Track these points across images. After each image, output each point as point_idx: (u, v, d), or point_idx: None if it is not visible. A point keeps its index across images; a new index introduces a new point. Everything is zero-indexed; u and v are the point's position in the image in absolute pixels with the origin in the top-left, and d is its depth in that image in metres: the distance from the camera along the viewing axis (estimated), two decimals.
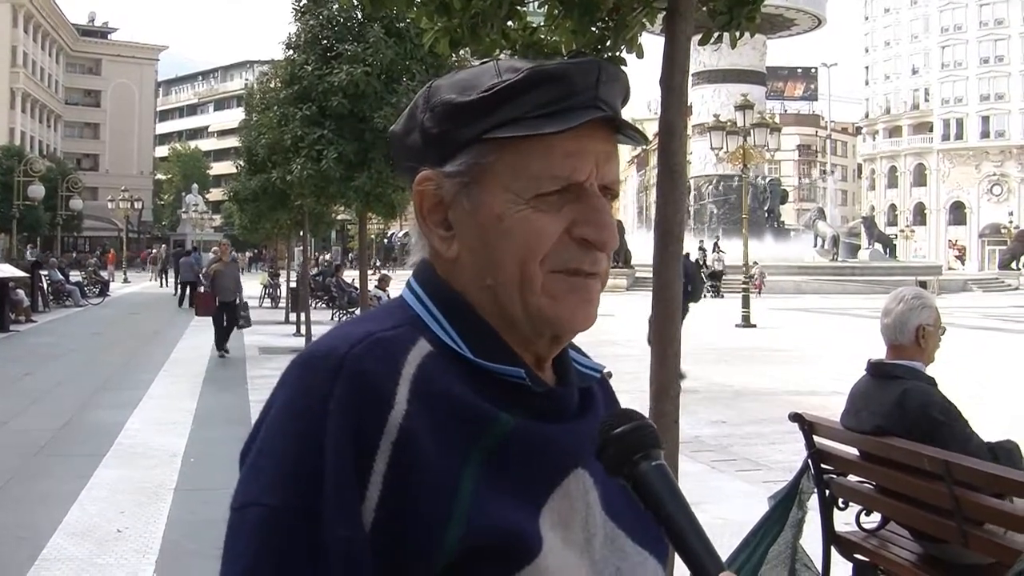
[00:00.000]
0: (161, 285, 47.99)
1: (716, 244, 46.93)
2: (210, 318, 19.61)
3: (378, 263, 74.06)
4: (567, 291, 1.17)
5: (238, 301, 19.55)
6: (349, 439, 1.04)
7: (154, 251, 65.48)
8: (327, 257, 58.49)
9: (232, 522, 1.08)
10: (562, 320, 1.18)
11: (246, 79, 73.38)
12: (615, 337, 17.11)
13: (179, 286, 35.72)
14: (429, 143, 1.20)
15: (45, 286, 32.20)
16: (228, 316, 19.08)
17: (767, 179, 58.24)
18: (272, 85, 20.88)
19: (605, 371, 1.40)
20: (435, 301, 1.20)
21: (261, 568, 1.04)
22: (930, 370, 4.49)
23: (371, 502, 1.04)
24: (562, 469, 1.17)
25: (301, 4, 16.21)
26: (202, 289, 21.50)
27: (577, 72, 1.16)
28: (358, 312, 21.33)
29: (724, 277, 42.29)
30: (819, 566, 4.90)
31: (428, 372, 1.11)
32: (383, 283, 25.89)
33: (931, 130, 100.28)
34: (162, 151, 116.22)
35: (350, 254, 72.68)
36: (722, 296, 39.99)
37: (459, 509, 1.05)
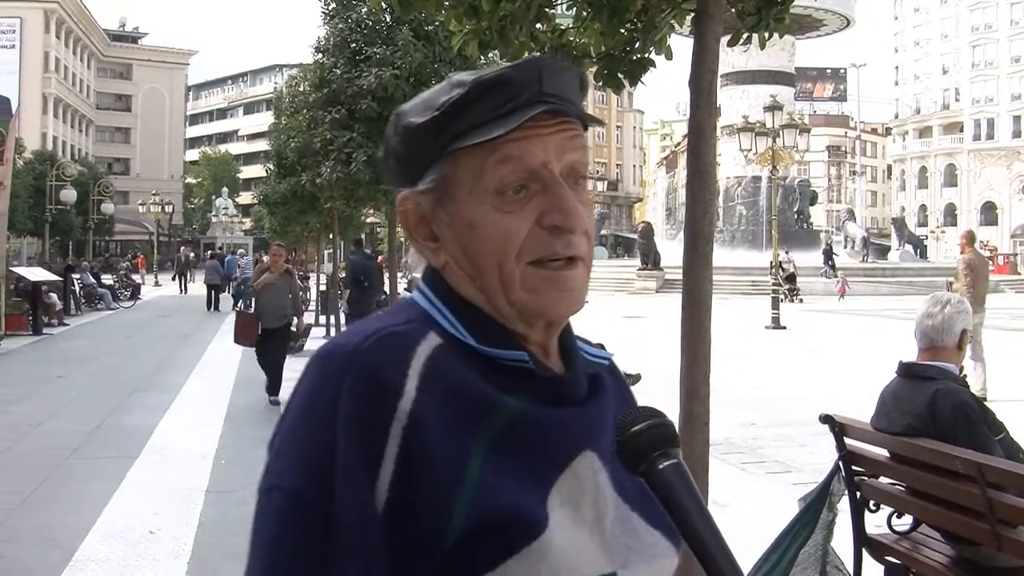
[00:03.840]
0: (181, 291, 46.50)
1: (787, 249, 46.92)
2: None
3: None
4: (545, 283, 1.22)
5: (295, 328, 14.36)
6: (360, 425, 1.11)
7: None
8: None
9: (258, 505, 1.16)
10: (545, 311, 1.24)
11: (275, 83, 73.69)
12: (645, 339, 17.07)
13: (207, 289, 35.80)
14: (402, 165, 1.29)
15: (77, 289, 32.45)
16: (274, 346, 13.57)
17: (796, 180, 57.94)
18: (301, 88, 20.93)
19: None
20: (441, 299, 1.27)
21: (281, 547, 1.12)
22: None
23: (383, 484, 1.10)
24: (570, 451, 1.22)
25: (330, 7, 16.25)
26: (241, 305, 16.03)
27: (517, 74, 1.23)
28: None
29: (798, 279, 41.87)
30: (850, 568, 4.88)
31: (437, 363, 1.17)
32: (412, 286, 25.91)
33: (961, 130, 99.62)
34: (192, 155, 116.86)
35: (379, 257, 72.90)
36: (801, 300, 39.60)
37: (466, 490, 1.11)
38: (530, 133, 1.21)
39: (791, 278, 41.02)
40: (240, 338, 14.20)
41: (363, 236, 25.13)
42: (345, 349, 1.17)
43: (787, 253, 45.04)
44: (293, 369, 12.59)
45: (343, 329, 1.08)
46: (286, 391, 13.01)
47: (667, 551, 1.27)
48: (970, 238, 15.13)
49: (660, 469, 1.13)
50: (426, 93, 1.28)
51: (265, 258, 18.35)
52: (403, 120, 1.28)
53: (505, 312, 1.24)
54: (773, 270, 30.02)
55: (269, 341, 13.51)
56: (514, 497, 1.13)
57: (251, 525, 1.16)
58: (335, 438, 1.11)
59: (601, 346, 1.41)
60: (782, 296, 38.87)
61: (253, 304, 14.31)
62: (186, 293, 43.91)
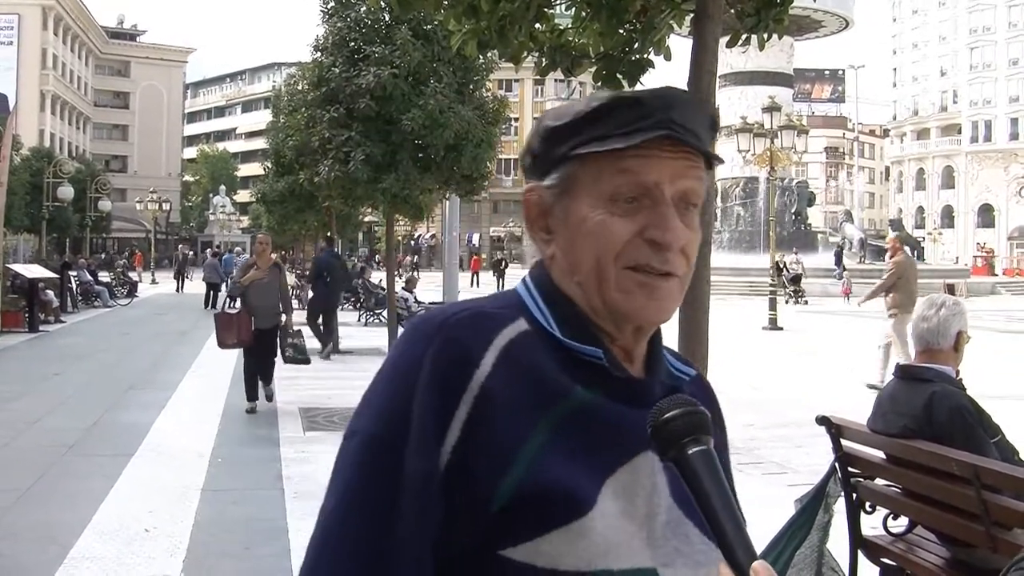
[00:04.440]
0: (178, 290, 45.61)
1: (795, 249, 46.89)
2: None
3: (415, 260, 74.34)
4: (637, 287, 1.32)
5: (285, 328, 13.26)
6: (437, 387, 1.23)
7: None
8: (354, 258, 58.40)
9: (341, 448, 1.30)
10: (633, 312, 1.33)
11: (274, 81, 73.65)
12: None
13: (206, 287, 35.73)
14: (535, 161, 1.41)
15: (74, 287, 32.37)
16: (264, 348, 12.61)
17: (794, 181, 57.94)
18: (300, 87, 20.92)
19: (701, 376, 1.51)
20: (539, 291, 1.39)
21: (353, 485, 1.25)
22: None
23: (449, 444, 1.22)
24: (632, 448, 1.29)
25: (329, 6, 16.25)
26: (228, 307, 13.37)
27: (650, 97, 1.34)
28: (385, 314, 21.30)
29: (803, 280, 41.83)
30: (846, 570, 4.88)
31: (518, 345, 1.29)
32: (410, 284, 25.89)
33: (959, 132, 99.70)
34: (190, 153, 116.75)
35: (376, 256, 72.89)
36: (806, 302, 39.66)
37: (521, 462, 1.21)
38: (651, 153, 1.31)
39: (796, 279, 41.19)
40: (225, 340, 12.57)
41: (332, 236, 25.10)
42: (436, 319, 1.30)
43: (796, 254, 45.04)
44: (295, 368, 12.58)
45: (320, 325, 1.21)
46: (288, 383, 12.99)
47: (717, 563, 1.28)
48: (900, 241, 15.93)
49: (689, 455, 1.19)
50: (567, 103, 1.39)
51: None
52: (544, 123, 1.40)
53: (597, 308, 1.34)
54: (775, 270, 30.07)
55: (259, 343, 12.44)
56: (566, 476, 1.21)
57: (334, 462, 1.28)
58: (413, 397, 1.23)
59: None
60: (787, 297, 38.82)
61: (238, 304, 12.78)
62: (183, 291, 43.61)
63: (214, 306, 32.44)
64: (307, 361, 14.35)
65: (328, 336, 19.33)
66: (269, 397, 12.71)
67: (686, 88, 3.93)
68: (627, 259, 1.31)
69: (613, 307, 1.32)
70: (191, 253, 66.41)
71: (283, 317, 12.83)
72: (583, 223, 1.33)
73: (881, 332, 15.25)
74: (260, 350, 12.48)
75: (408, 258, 74.81)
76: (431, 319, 1.30)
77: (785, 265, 41.81)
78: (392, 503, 1.21)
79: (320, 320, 19.70)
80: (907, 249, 15.31)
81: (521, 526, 1.19)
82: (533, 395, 1.25)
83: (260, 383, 12.62)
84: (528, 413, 1.24)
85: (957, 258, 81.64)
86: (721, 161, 1.45)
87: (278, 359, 13.17)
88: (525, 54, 4.43)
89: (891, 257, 15.71)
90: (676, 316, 3.94)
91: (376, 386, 1.30)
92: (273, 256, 13.37)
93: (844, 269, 47.06)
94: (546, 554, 1.19)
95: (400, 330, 1.35)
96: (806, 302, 39.66)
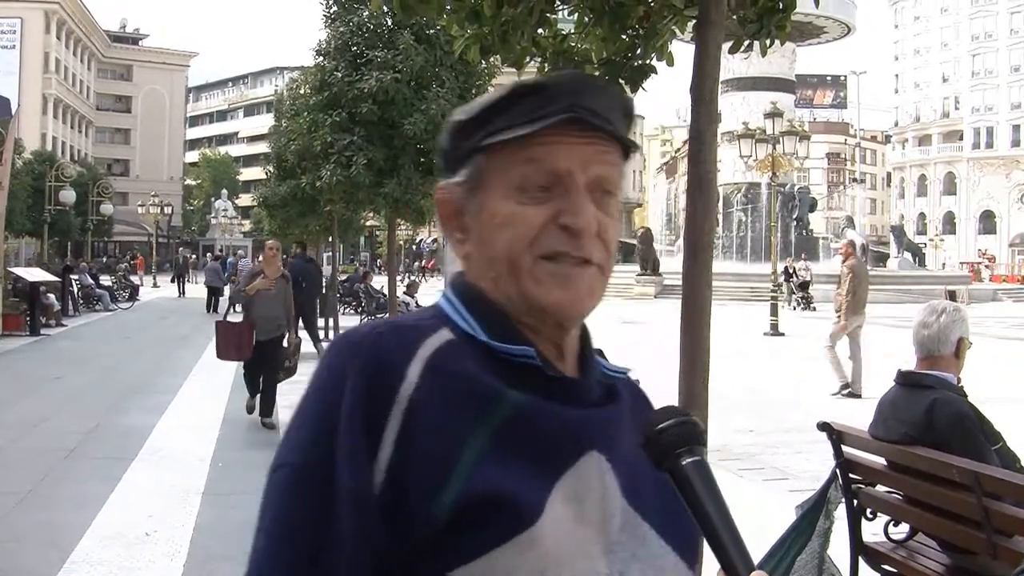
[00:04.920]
0: (179, 294, 45.55)
1: (803, 256, 46.89)
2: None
3: (420, 264, 74.24)
4: (551, 278, 1.27)
5: (286, 341, 12.29)
6: (363, 406, 1.17)
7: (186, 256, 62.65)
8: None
9: (268, 482, 1.22)
10: (549, 304, 1.28)
11: (276, 85, 73.84)
12: (643, 345, 17.05)
13: (207, 291, 35.72)
14: (446, 158, 1.38)
15: (75, 290, 32.42)
16: (266, 361, 11.80)
17: (796, 187, 57.92)
18: (302, 91, 20.94)
19: (633, 380, 1.47)
20: (459, 298, 1.33)
21: (283, 520, 1.18)
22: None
23: (382, 463, 1.16)
24: (576, 450, 1.24)
25: (331, 10, 16.27)
26: (231, 315, 13.09)
27: (554, 83, 1.31)
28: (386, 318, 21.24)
29: (812, 286, 41.44)
30: None
31: (443, 354, 1.23)
32: (411, 289, 25.90)
33: (961, 139, 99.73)
34: (192, 156, 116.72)
35: (378, 260, 72.89)
36: (814, 308, 38.55)
37: (459, 474, 1.15)
38: (559, 140, 1.27)
39: (804, 285, 40.80)
40: (226, 352, 12.06)
41: (305, 241, 25.31)
42: (355, 337, 1.24)
43: (804, 260, 44.98)
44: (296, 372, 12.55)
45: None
46: (288, 387, 13.00)
47: (677, 566, 1.29)
48: (853, 246, 16.28)
49: (683, 465, 1.19)
50: (477, 99, 1.37)
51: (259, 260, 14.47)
52: (453, 117, 1.37)
53: (515, 303, 1.29)
54: (785, 276, 29.97)
55: (261, 355, 11.70)
56: (509, 485, 1.16)
57: (260, 501, 1.21)
58: (339, 418, 1.17)
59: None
60: (794, 304, 38.66)
61: (242, 314, 12.22)
62: (184, 296, 43.46)
63: (215, 310, 32.46)
64: (292, 374, 12.50)
65: (315, 342, 19.59)
66: (271, 427, 11.59)
67: (689, 92, 3.94)
68: (541, 248, 1.26)
69: (529, 299, 1.27)
70: (192, 256, 66.23)
71: (287, 333, 12.16)
72: (495, 216, 1.29)
73: (825, 336, 15.59)
74: (260, 362, 11.77)
75: (430, 263, 74.49)
76: (350, 337, 1.25)
77: (795, 271, 41.79)
78: (327, 532, 1.15)
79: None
80: (859, 253, 15.72)
81: (469, 541, 1.14)
82: (465, 404, 1.20)
83: (260, 405, 11.93)
84: (462, 423, 1.18)
85: (944, 264, 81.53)
86: (637, 147, 1.41)
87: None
88: (527, 59, 4.43)
89: (844, 261, 15.79)
90: (678, 321, 3.95)
91: (300, 413, 1.23)
92: (283, 269, 12.38)
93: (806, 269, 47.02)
94: (500, 570, 1.13)
95: None
96: (814, 308, 38.97)
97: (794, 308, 38.47)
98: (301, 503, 1.17)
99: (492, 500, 1.14)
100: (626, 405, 1.37)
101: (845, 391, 14.62)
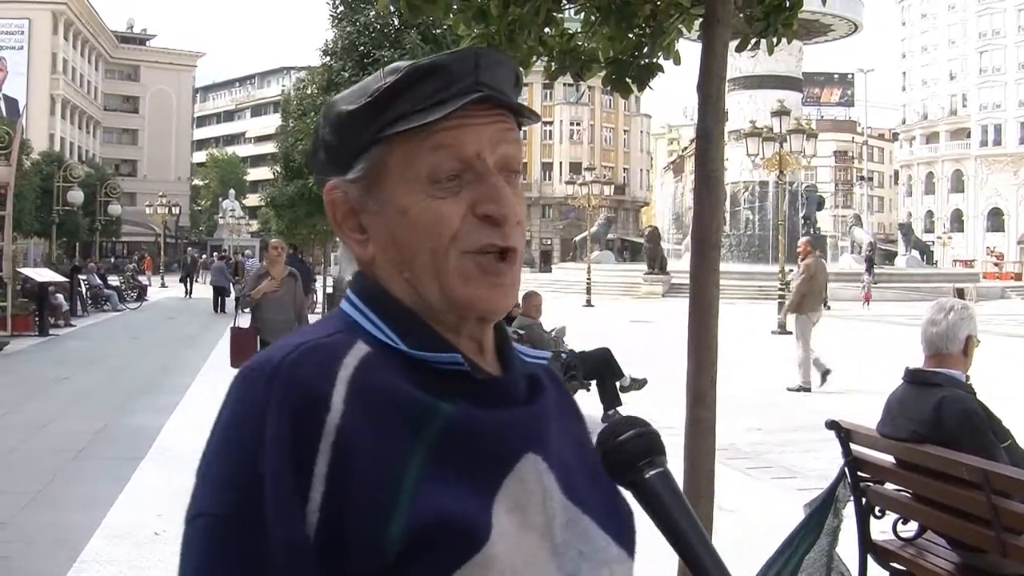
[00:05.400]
0: (186, 294, 44.71)
1: (818, 254, 46.73)
2: None
3: None
4: (478, 272, 1.19)
5: None
6: (287, 443, 1.07)
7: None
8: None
9: (184, 534, 1.13)
10: (478, 303, 1.21)
11: (283, 85, 73.89)
12: (651, 344, 17.06)
13: (213, 291, 35.73)
14: (331, 155, 1.26)
15: (84, 291, 32.48)
16: None
17: (803, 185, 57.85)
18: (309, 91, 20.98)
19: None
20: (368, 304, 1.24)
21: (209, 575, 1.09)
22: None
23: (314, 503, 1.07)
24: (513, 454, 1.18)
25: (338, 10, 16.30)
26: (238, 321, 12.62)
27: (453, 62, 1.21)
28: None
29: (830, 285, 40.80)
30: (855, 574, 4.87)
31: (365, 372, 1.13)
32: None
33: (969, 136, 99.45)
34: (199, 157, 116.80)
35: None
36: (829, 307, 38.34)
37: (403, 501, 1.07)
38: (464, 122, 1.19)
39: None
40: (236, 359, 11.35)
41: (295, 244, 25.57)
42: (268, 365, 1.13)
43: (822, 258, 44.69)
44: None
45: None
46: None
47: (620, 557, 1.24)
48: (811, 244, 16.73)
49: (647, 478, 1.15)
50: (356, 85, 1.26)
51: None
52: (334, 108, 1.25)
53: (435, 303, 1.21)
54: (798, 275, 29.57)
55: None
56: (455, 505, 1.09)
57: (180, 555, 1.13)
58: (261, 459, 1.07)
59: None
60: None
61: (250, 317, 11.88)
62: (191, 296, 43.04)
63: (223, 310, 32.50)
64: None
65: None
66: None
67: (696, 90, 3.94)
68: (465, 243, 1.18)
69: (454, 298, 1.19)
70: (204, 256, 65.78)
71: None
72: (405, 214, 1.20)
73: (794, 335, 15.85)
74: None
75: None
76: (264, 363, 1.14)
77: None
78: None
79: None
80: (817, 252, 16.59)
81: (421, 571, 1.06)
82: (396, 424, 1.11)
83: None
84: (396, 445, 1.10)
85: (937, 261, 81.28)
86: (537, 117, 1.32)
87: None
88: (534, 59, 4.43)
89: (802, 260, 16.24)
90: (685, 321, 3.95)
91: (212, 455, 1.13)
92: (290, 268, 12.14)
93: (874, 274, 46.86)
94: None
95: None
96: (829, 307, 38.54)
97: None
98: (228, 559, 1.07)
99: (438, 524, 1.07)
100: (551, 396, 1.30)
101: (822, 383, 15.15)
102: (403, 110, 1.19)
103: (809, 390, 14.81)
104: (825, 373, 15.17)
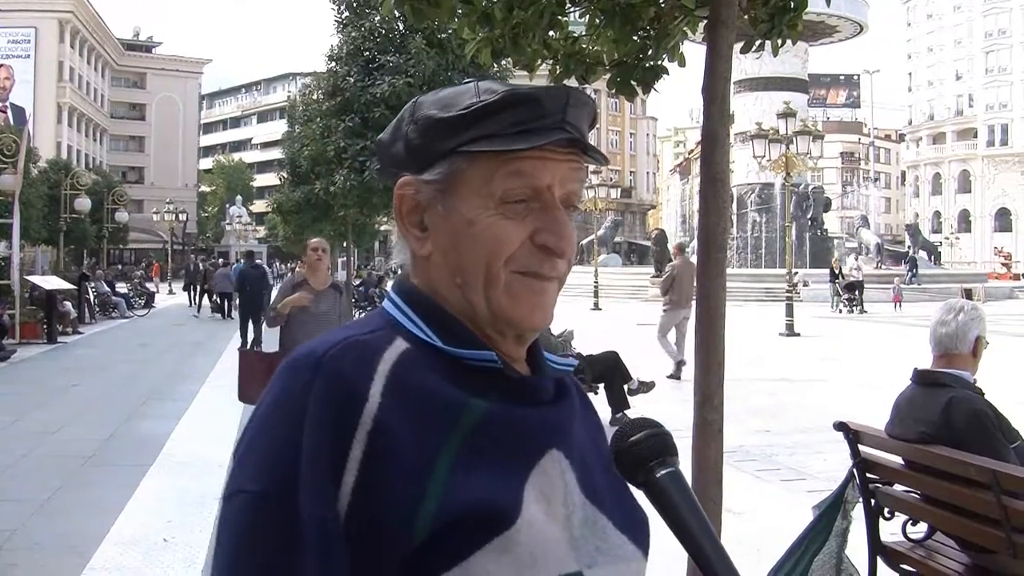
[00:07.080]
0: (190, 304, 41.53)
1: (856, 255, 46.58)
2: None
3: None
4: (526, 291, 1.26)
5: None
6: (325, 430, 1.13)
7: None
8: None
9: (221, 511, 1.18)
10: (518, 318, 1.27)
11: (289, 91, 73.92)
12: (658, 346, 17.06)
13: (219, 298, 35.64)
14: (411, 152, 1.31)
15: (92, 298, 32.50)
16: None
17: (810, 187, 57.77)
18: (315, 97, 21.00)
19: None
20: (410, 304, 1.30)
21: (244, 550, 1.13)
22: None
23: (347, 487, 1.12)
24: (538, 449, 1.24)
25: (343, 16, 16.32)
26: (250, 339, 11.18)
27: (547, 97, 1.26)
28: None
29: (866, 288, 39.70)
30: None
31: (403, 367, 1.20)
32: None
33: (975, 136, 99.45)
34: (206, 163, 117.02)
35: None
36: (864, 311, 37.23)
37: (434, 488, 1.13)
38: (545, 155, 1.25)
39: (852, 286, 38.94)
40: (247, 391, 9.61)
41: (251, 250, 25.83)
42: (312, 357, 1.19)
43: (856, 259, 44.40)
44: None
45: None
46: None
47: (634, 555, 1.29)
48: (680, 248, 18.46)
49: (658, 478, 1.18)
50: (446, 91, 1.31)
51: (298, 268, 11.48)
52: (423, 111, 1.30)
53: (480, 311, 1.27)
54: (831, 277, 29.56)
55: None
56: (484, 491, 1.14)
57: (216, 531, 1.17)
58: (300, 442, 1.13)
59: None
60: (839, 306, 37.89)
61: (278, 339, 9.71)
62: (198, 308, 40.56)
63: (229, 315, 32.48)
64: None
65: (258, 337, 21.18)
66: None
67: (701, 93, 3.94)
68: (518, 264, 1.25)
69: (499, 312, 1.26)
70: (213, 263, 62.95)
71: None
72: (471, 225, 1.25)
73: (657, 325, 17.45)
74: None
75: None
76: (307, 355, 1.20)
77: (840, 272, 40.40)
78: (291, 565, 1.10)
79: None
80: (687, 254, 17.77)
81: (447, 553, 1.11)
82: (430, 418, 1.17)
83: None
84: (429, 438, 1.15)
85: (939, 259, 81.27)
86: (606, 160, 1.39)
87: None
88: (539, 62, 4.43)
89: (671, 262, 18.27)
90: (692, 323, 3.95)
91: (255, 436, 1.19)
92: (336, 277, 10.08)
93: (914, 275, 46.88)
94: (478, 574, 1.12)
95: None
96: (863, 311, 37.24)
97: (839, 311, 37.37)
98: (263, 533, 1.12)
99: (471, 510, 1.13)
100: (576, 398, 1.38)
101: (676, 371, 16.34)
102: (492, 130, 1.24)
103: (684, 362, 15.72)
104: (680, 363, 16.22)
